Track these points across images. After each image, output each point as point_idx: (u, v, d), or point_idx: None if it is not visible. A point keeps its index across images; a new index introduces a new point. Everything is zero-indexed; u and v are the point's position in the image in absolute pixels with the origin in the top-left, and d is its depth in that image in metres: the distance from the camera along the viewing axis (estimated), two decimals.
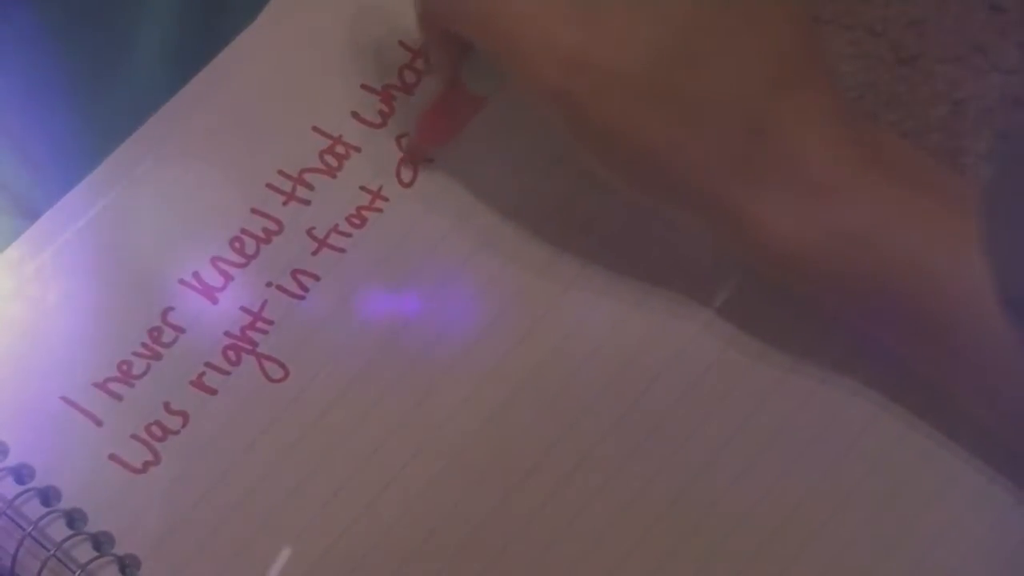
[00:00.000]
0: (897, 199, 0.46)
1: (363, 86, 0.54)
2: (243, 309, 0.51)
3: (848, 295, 0.47)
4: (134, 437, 0.50)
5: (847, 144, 0.46)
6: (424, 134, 0.53)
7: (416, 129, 0.53)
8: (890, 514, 0.49)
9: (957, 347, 0.46)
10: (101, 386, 0.50)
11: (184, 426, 0.50)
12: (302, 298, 0.52)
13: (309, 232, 0.52)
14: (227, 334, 0.51)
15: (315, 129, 0.54)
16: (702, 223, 0.48)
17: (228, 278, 0.52)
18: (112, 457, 0.49)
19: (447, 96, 0.52)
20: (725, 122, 0.46)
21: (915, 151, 0.48)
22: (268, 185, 0.53)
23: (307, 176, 0.53)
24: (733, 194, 0.46)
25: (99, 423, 0.50)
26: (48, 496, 0.49)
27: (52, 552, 0.48)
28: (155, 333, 0.51)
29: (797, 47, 0.46)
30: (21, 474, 0.49)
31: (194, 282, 0.52)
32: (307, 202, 0.53)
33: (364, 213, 0.53)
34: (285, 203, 0.53)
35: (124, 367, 0.50)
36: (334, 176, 0.53)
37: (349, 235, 0.52)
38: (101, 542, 0.48)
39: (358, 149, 0.54)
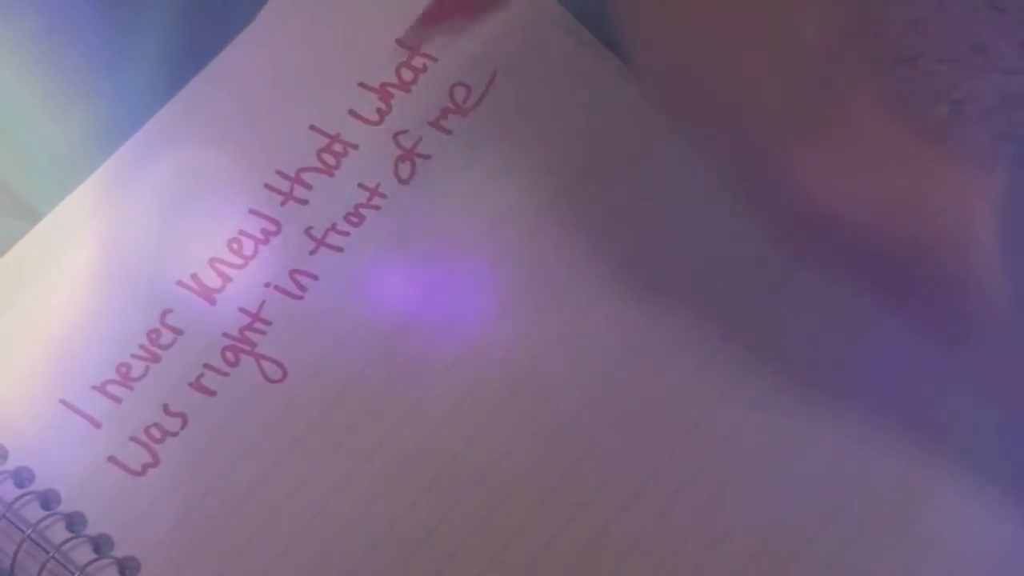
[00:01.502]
0: (937, 169, 0.45)
1: (360, 84, 0.54)
2: (241, 310, 0.51)
3: (879, 260, 0.46)
4: (133, 439, 0.50)
5: (893, 113, 0.45)
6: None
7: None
8: (889, 513, 0.49)
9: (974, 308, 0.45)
10: (100, 389, 0.50)
11: (183, 428, 0.50)
12: (300, 298, 0.52)
13: (307, 232, 0.52)
14: (225, 335, 0.51)
15: (313, 128, 0.53)
16: (742, 165, 0.46)
17: (226, 279, 0.52)
18: (111, 459, 0.49)
19: None
20: (804, 60, 0.45)
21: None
22: (266, 186, 0.53)
23: (305, 175, 0.53)
24: (788, 143, 0.45)
25: (98, 426, 0.50)
26: (47, 499, 0.49)
27: (51, 554, 0.48)
28: (153, 335, 0.51)
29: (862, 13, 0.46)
30: (21, 477, 0.49)
31: (192, 284, 0.52)
32: (305, 201, 0.53)
33: (362, 211, 0.53)
34: (283, 203, 0.53)
35: (123, 370, 0.50)
36: (332, 175, 0.53)
37: (347, 234, 0.52)
38: (100, 544, 0.49)
39: (356, 146, 0.53)
